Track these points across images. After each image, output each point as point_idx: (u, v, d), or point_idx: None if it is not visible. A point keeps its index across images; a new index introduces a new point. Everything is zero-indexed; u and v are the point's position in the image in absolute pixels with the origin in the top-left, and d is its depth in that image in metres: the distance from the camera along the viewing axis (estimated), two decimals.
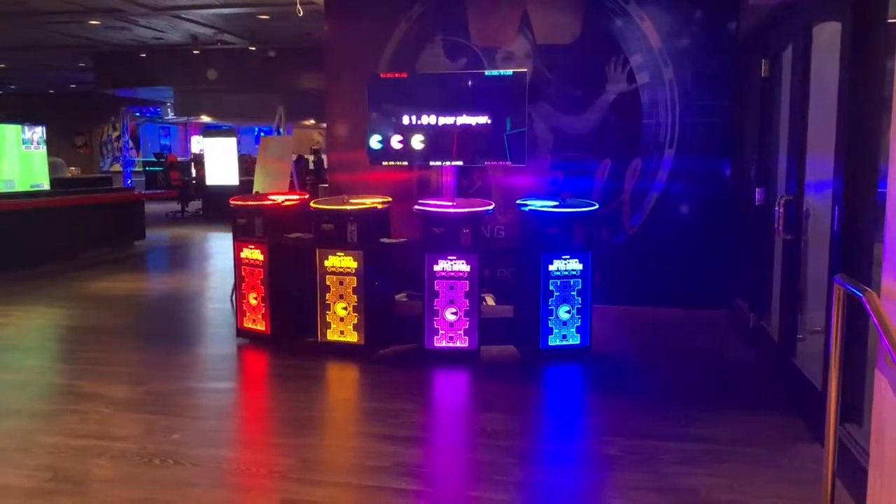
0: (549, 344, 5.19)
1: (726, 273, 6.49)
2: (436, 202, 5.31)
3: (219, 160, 16.40)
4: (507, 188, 6.62)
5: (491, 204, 5.21)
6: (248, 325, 5.73)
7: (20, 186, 9.24)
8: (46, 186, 9.64)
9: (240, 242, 5.70)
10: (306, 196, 5.82)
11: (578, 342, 5.23)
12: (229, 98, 16.66)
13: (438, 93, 6.05)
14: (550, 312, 5.17)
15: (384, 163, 6.14)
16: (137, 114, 25.78)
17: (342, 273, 5.25)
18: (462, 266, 5.09)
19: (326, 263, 5.28)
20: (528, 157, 5.95)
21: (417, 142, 6.00)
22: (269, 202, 5.59)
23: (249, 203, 5.61)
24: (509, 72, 5.92)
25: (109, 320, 6.56)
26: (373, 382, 4.83)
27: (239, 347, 5.62)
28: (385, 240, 5.41)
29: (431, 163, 6.06)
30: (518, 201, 5.46)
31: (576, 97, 6.66)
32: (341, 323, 5.30)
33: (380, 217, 5.44)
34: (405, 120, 6.02)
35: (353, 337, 5.28)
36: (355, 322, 5.26)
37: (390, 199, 5.57)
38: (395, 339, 5.53)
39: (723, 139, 6.48)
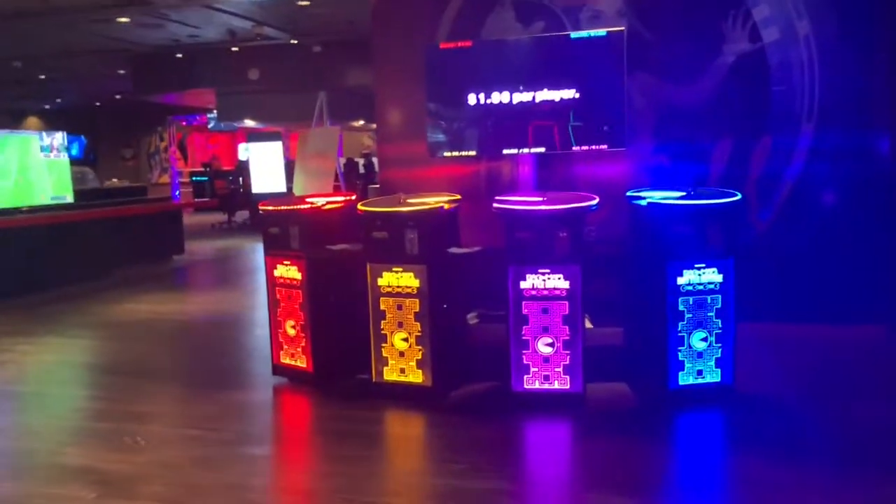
0: (680, 383, 3.87)
1: (886, 278, 5.06)
2: (520, 198, 4.05)
3: (265, 166, 15.45)
4: (598, 179, 5.30)
5: (595, 198, 3.93)
6: (285, 360, 4.56)
7: (38, 200, 8.31)
8: (70, 199, 8.70)
9: (272, 257, 4.54)
10: (353, 197, 4.64)
11: (719, 379, 3.90)
12: (273, 99, 15.71)
13: (512, 64, 4.84)
14: (680, 341, 3.86)
15: (446, 153, 4.95)
16: (184, 123, 25.23)
17: (401, 294, 4.04)
18: (559, 282, 3.82)
19: (380, 282, 4.08)
20: (628, 138, 4.67)
21: (487, 126, 4.79)
22: (306, 205, 4.42)
23: (282, 208, 4.45)
24: (602, 32, 4.65)
25: (125, 354, 5.49)
26: (447, 443, 3.58)
27: (275, 390, 4.46)
28: (455, 249, 4.17)
29: (505, 151, 4.83)
30: (629, 193, 4.16)
31: (684, 62, 5.32)
32: (401, 358, 4.09)
33: (447, 220, 4.20)
34: (471, 99, 4.83)
35: (416, 376, 4.06)
36: (419, 357, 4.04)
37: (459, 197, 4.33)
38: (469, 376, 4.31)
39: (880, 106, 5.06)
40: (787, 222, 5.24)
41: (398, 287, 4.04)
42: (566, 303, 3.83)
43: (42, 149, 8.35)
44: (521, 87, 4.77)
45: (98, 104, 23.71)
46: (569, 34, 4.81)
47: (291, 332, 4.48)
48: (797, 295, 5.15)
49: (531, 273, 3.84)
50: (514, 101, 4.76)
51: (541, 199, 3.98)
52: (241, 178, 16.66)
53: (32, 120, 26.30)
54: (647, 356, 3.98)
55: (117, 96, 21.26)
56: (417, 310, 4.01)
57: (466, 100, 4.84)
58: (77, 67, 15.96)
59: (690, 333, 3.86)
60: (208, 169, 19.65)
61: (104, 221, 8.95)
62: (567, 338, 3.85)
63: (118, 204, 9.69)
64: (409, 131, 5.79)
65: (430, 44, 5.18)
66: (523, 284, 3.86)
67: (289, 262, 4.43)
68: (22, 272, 7.79)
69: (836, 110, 5.13)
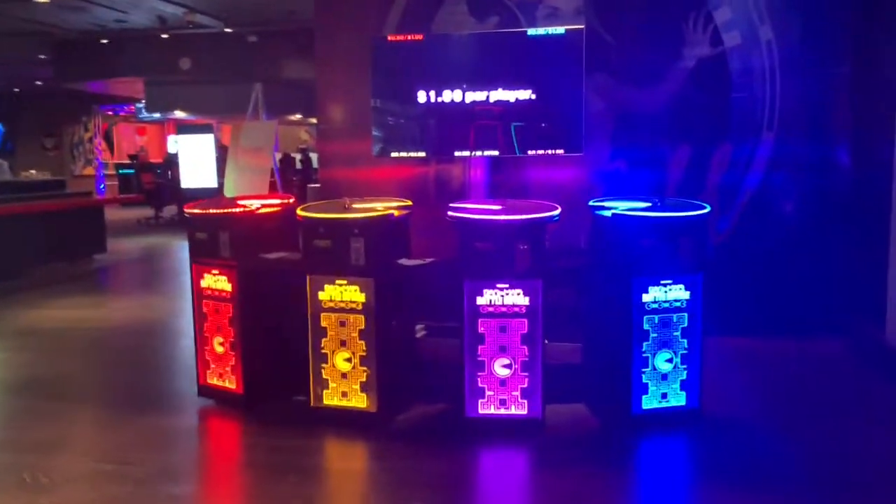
0: (644, 407, 3.61)
1: (846, 289, 4.95)
2: (477, 206, 3.72)
3: (195, 160, 14.71)
4: (553, 185, 5.02)
5: (556, 207, 3.63)
6: (212, 380, 4.12)
7: None
8: None
9: (199, 265, 4.09)
10: (292, 200, 4.22)
11: (684, 403, 3.66)
12: (205, 90, 15.00)
13: (464, 60, 4.53)
14: (644, 362, 3.60)
15: (393, 154, 4.59)
16: (110, 112, 24.05)
17: (344, 309, 3.66)
18: (518, 298, 3.51)
19: (322, 296, 3.69)
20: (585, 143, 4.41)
21: (437, 125, 4.46)
22: (238, 209, 3.98)
23: (211, 211, 4.00)
24: (560, 30, 4.35)
25: (31, 369, 4.94)
26: (394, 478, 3.22)
27: (201, 414, 4.02)
28: (405, 261, 3.81)
29: (457, 153, 4.50)
30: (592, 202, 3.89)
31: (643, 65, 5.10)
32: (343, 381, 3.71)
33: (396, 229, 3.84)
34: (421, 97, 4.47)
35: (360, 400, 3.69)
36: (363, 380, 3.67)
37: (410, 203, 3.97)
38: (418, 396, 3.97)
39: (842, 116, 4.93)
40: (745, 233, 5.08)
41: (341, 302, 3.66)
42: (525, 320, 3.52)
43: None
44: (474, 86, 4.44)
45: (17, 90, 22.33)
46: (525, 31, 4.51)
47: (220, 349, 4.05)
48: (756, 307, 4.99)
49: (489, 288, 3.52)
50: (467, 101, 4.43)
51: (498, 207, 3.66)
52: (169, 172, 15.85)
53: None
54: (609, 377, 3.71)
55: (38, 82, 20.04)
56: (363, 327, 3.64)
57: (416, 97, 4.49)
58: None
59: (655, 354, 3.61)
60: (135, 161, 18.71)
61: (16, 217, 8.22)
62: (526, 358, 3.54)
63: (32, 199, 8.94)
64: (353, 128, 5.41)
65: (378, 35, 4.81)
66: (480, 300, 3.53)
67: (218, 272, 3.99)
68: None
69: (796, 119, 4.98)
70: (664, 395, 3.64)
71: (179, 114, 17.60)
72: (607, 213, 3.66)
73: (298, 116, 18.28)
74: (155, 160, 20.80)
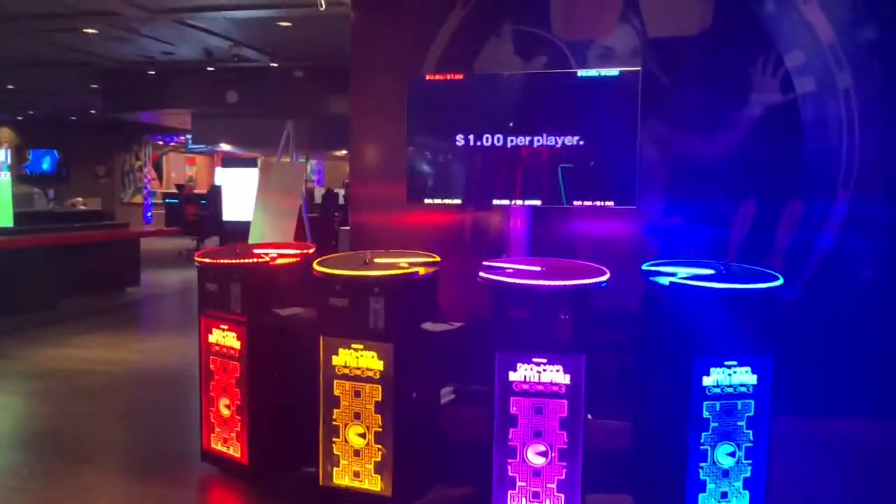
0: None
1: None
2: (513, 265, 3.30)
3: (238, 193, 14.61)
4: (600, 240, 4.57)
5: (604, 272, 3.19)
6: (216, 445, 3.74)
7: None
8: (6, 223, 7.83)
9: (208, 319, 3.75)
10: (311, 251, 3.86)
11: None
12: (251, 124, 14.95)
13: (508, 102, 4.18)
14: (703, 455, 3.10)
15: (427, 200, 4.22)
16: (161, 142, 24.42)
17: (360, 378, 3.25)
18: (557, 375, 3.06)
19: (336, 360, 3.29)
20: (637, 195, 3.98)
21: (476, 171, 4.10)
22: (250, 260, 3.63)
23: (221, 261, 3.66)
24: (614, 71, 3.99)
25: (33, 420, 4.66)
26: None
27: (201, 484, 3.64)
28: (430, 325, 3.39)
29: (495, 201, 4.11)
30: (646, 266, 3.43)
31: (704, 111, 4.64)
32: (356, 459, 3.29)
33: (422, 288, 3.43)
34: (459, 140, 4.12)
35: (374, 483, 3.25)
36: (378, 459, 3.24)
37: (438, 259, 3.57)
38: (441, 476, 3.52)
39: None
40: (817, 300, 4.53)
41: (357, 369, 3.26)
42: (565, 401, 3.06)
43: None
44: (518, 130, 4.09)
45: (73, 118, 22.82)
46: (575, 71, 4.15)
47: (225, 412, 3.67)
48: (832, 383, 4.42)
49: (523, 362, 3.08)
50: (508, 145, 4.07)
51: (538, 268, 3.24)
52: (213, 204, 15.80)
53: (4, 131, 25.36)
54: (661, 470, 3.22)
55: (92, 111, 20.43)
56: (380, 399, 3.23)
57: (454, 140, 4.14)
58: (45, 79, 15.15)
59: (715, 446, 3.10)
60: (180, 192, 18.78)
61: (48, 248, 8.10)
62: (564, 446, 3.07)
63: (66, 229, 8.83)
64: (387, 171, 5.05)
65: (415, 74, 4.47)
66: (513, 376, 3.09)
67: (227, 328, 3.64)
68: None
69: (876, 176, 4.45)
70: (724, 495, 3.13)
71: (225, 146, 17.65)
72: (664, 281, 3.19)
73: (344, 152, 18.17)
74: (202, 191, 20.93)
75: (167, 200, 20.31)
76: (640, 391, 3.48)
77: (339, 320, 3.27)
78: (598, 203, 3.95)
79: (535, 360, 3.07)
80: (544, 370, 3.06)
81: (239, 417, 3.61)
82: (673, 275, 3.23)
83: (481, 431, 3.19)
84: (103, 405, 5.01)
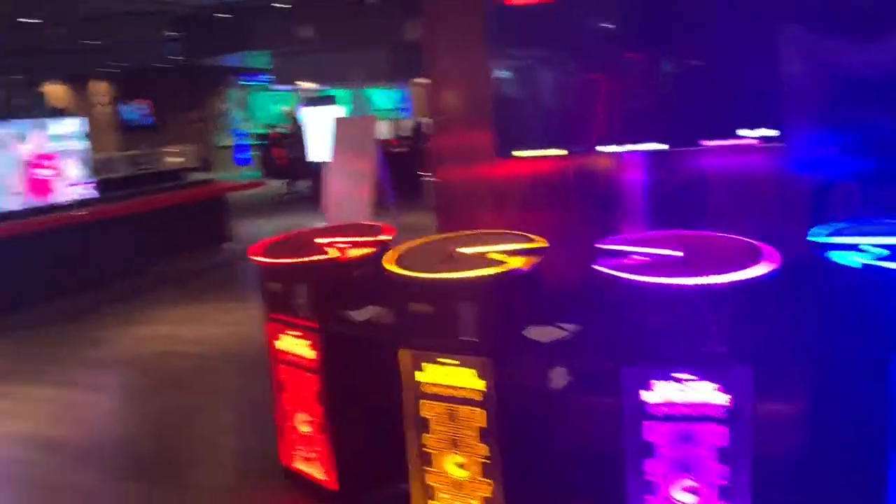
0: None
1: None
2: (639, 247, 2.55)
3: (321, 133, 14.13)
4: (743, 195, 3.68)
5: (771, 255, 2.39)
6: (298, 465, 3.26)
7: (50, 198, 7.24)
8: (88, 194, 7.61)
9: (274, 323, 3.20)
10: (391, 237, 3.21)
11: None
12: (329, 58, 14.31)
13: (615, 21, 3.34)
14: None
15: (517, 153, 3.50)
16: (248, 83, 24.23)
17: (455, 398, 2.63)
18: (712, 394, 2.33)
19: (421, 377, 2.68)
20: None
21: (576, 112, 3.33)
22: (318, 257, 3.02)
23: (284, 261, 3.07)
24: None
25: (108, 425, 4.37)
26: None
27: None
28: (535, 332, 2.70)
29: (606, 147, 3.33)
30: (815, 237, 2.58)
31: (875, 9, 3.61)
32: (458, 492, 2.70)
33: (523, 285, 2.72)
34: (550, 76, 3.36)
35: None
36: (488, 495, 2.64)
37: (544, 245, 2.84)
38: (562, 497, 2.90)
39: None
40: None
41: (450, 388, 2.64)
42: (724, 428, 2.34)
43: (53, 137, 7.24)
44: (628, 54, 3.28)
45: (161, 67, 22.86)
46: None
47: (305, 428, 3.16)
48: None
49: (662, 379, 2.37)
50: (619, 77, 3.27)
51: (675, 252, 2.47)
52: (298, 145, 15.43)
53: (102, 85, 25.84)
54: (849, 497, 2.48)
55: (177, 59, 20.33)
56: (482, 425, 2.60)
57: (546, 76, 3.37)
58: (128, 31, 14.94)
59: None
60: (268, 134, 18.51)
61: (133, 215, 7.88)
62: (725, 482, 2.37)
63: (147, 193, 8.60)
64: (472, 118, 4.31)
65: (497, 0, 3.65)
66: (647, 396, 2.39)
67: (298, 334, 3.08)
68: (37, 278, 6.79)
69: None
70: None
71: (306, 84, 17.14)
72: (852, 261, 2.36)
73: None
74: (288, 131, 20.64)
75: (255, 143, 20.19)
76: (816, 400, 2.70)
77: (422, 328, 2.64)
78: (736, 141, 3.11)
79: (678, 375, 2.35)
80: (693, 388, 2.34)
81: (322, 436, 3.10)
82: (858, 249, 2.39)
83: (609, 438, 2.52)
84: (185, 399, 4.65)
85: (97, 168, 7.90)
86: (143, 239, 8.00)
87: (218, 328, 6.11)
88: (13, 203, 6.92)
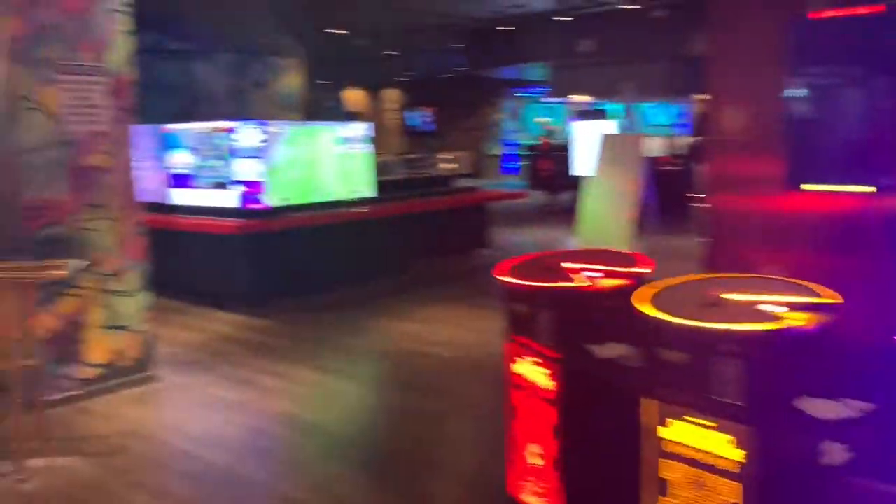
0: None
1: None
2: None
3: (589, 147, 13.95)
4: None
5: None
6: (526, 498, 3.11)
7: (337, 195, 7.89)
8: (368, 193, 8.18)
9: (514, 345, 3.09)
10: (647, 270, 2.93)
11: None
12: (606, 71, 14.05)
13: None
14: None
15: (808, 186, 3.02)
16: (522, 95, 24.81)
17: (703, 465, 2.30)
18: None
19: (665, 433, 2.38)
20: None
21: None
22: (566, 284, 2.85)
23: (530, 284, 2.93)
24: None
25: (354, 415, 4.59)
26: None
27: None
28: (813, 405, 2.27)
29: None
30: None
31: None
32: None
33: (804, 352, 2.29)
34: (862, 99, 2.82)
35: None
36: None
37: (835, 301, 2.38)
38: None
39: None
40: None
41: (699, 451, 2.31)
42: None
43: (342, 140, 7.88)
44: None
45: (444, 76, 24.29)
46: None
47: (536, 461, 3.01)
48: None
49: None
50: None
51: None
52: (565, 157, 15.39)
53: (393, 92, 28.13)
54: None
55: (458, 69, 21.43)
56: (737, 501, 2.24)
57: (862, 100, 2.85)
58: (418, 43, 16.05)
59: None
60: (536, 146, 18.74)
61: (402, 216, 8.35)
62: None
63: (417, 196, 9.06)
64: (758, 141, 3.85)
65: (796, 13, 3.20)
66: None
67: (537, 361, 2.94)
68: (309, 271, 7.45)
69: None
70: None
71: (581, 97, 17.03)
72: None
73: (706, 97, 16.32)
74: (559, 143, 20.74)
75: (523, 153, 20.54)
76: None
77: (673, 381, 2.34)
78: None
79: None
80: None
81: (553, 472, 2.92)
82: None
83: None
84: (426, 401, 4.75)
85: (378, 169, 8.46)
86: (409, 239, 8.44)
87: (466, 333, 6.21)
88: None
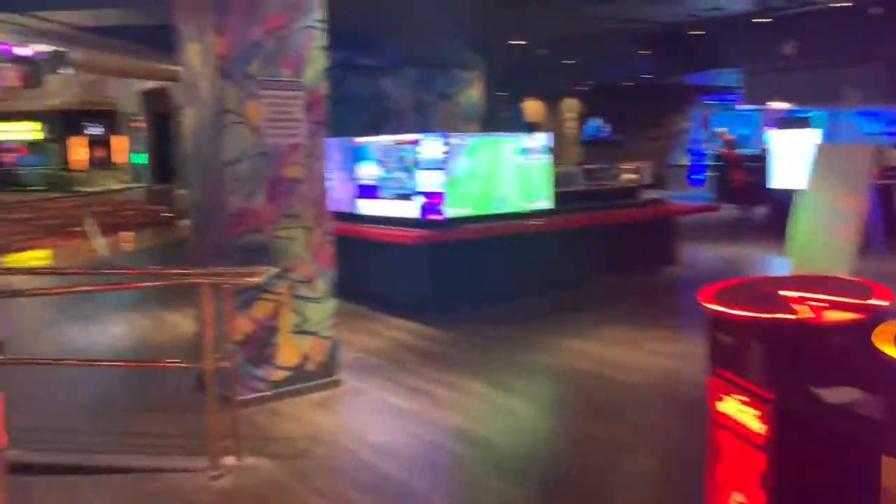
0: None
1: None
2: None
3: (790, 158, 12.81)
4: None
5: None
6: None
7: (510, 206, 7.78)
8: (545, 204, 7.99)
9: (718, 380, 2.77)
10: (887, 303, 2.51)
11: None
12: (810, 76, 12.90)
13: None
14: None
15: None
16: (710, 103, 23.52)
17: None
18: None
19: None
20: None
21: None
22: (787, 315, 2.49)
23: (743, 314, 2.60)
24: None
25: (523, 437, 4.40)
26: None
27: None
28: None
29: None
30: None
31: None
32: None
33: None
34: None
35: None
36: None
37: None
38: None
39: None
40: None
41: None
42: None
43: (521, 151, 7.77)
44: None
45: (627, 84, 23.59)
46: None
47: None
48: None
49: None
50: None
51: None
52: (761, 168, 14.29)
53: (571, 101, 27.78)
54: None
55: (642, 76, 20.70)
56: None
57: None
58: (599, 50, 15.66)
59: None
60: (722, 155, 17.63)
61: (580, 229, 8.09)
62: None
63: (597, 209, 8.73)
64: None
65: None
66: None
67: (745, 400, 2.60)
68: (486, 282, 7.39)
69: None
70: None
71: (779, 104, 15.78)
72: None
73: None
74: (752, 153, 19.36)
75: (713, 164, 19.38)
76: None
77: None
78: None
79: None
80: None
81: None
82: None
83: None
84: (604, 429, 4.45)
85: (557, 180, 8.25)
86: (590, 253, 8.15)
87: (650, 358, 5.83)
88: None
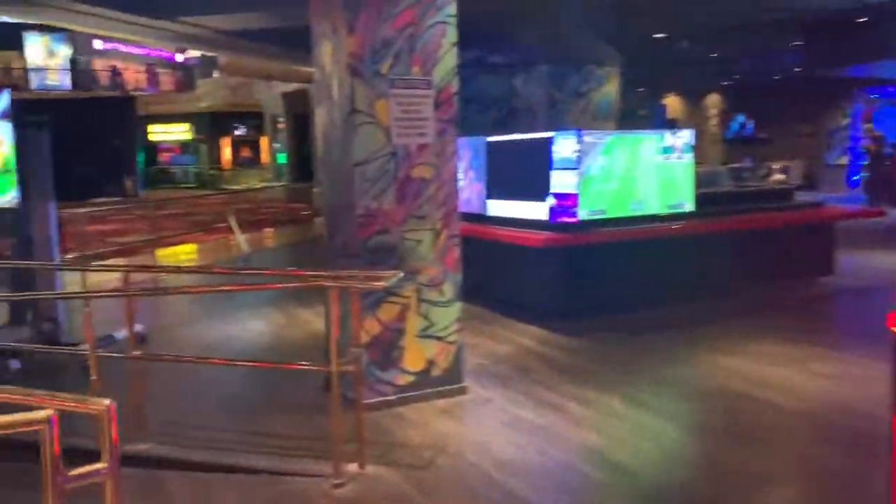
0: None
1: None
2: None
3: None
4: None
5: None
6: None
7: (654, 208, 7.32)
8: (689, 206, 7.47)
9: None
10: None
11: None
12: None
13: None
14: None
15: None
16: (874, 96, 21.54)
17: None
18: None
19: None
20: None
21: None
22: None
23: None
24: None
25: (659, 465, 4.00)
26: None
27: None
28: None
29: None
30: None
31: None
32: None
33: None
34: None
35: None
36: None
37: None
38: None
39: None
40: None
41: None
42: None
43: (662, 149, 7.29)
44: None
45: (775, 78, 22.06)
46: None
47: None
48: None
49: None
50: None
51: None
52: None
53: (713, 97, 26.38)
54: None
55: (795, 69, 19.26)
56: None
57: None
58: (746, 42, 14.68)
59: None
60: (871, 153, 16.08)
61: (721, 233, 7.52)
62: None
63: (745, 211, 8.08)
64: None
65: None
66: None
67: None
68: (621, 288, 7.00)
69: None
70: None
71: None
72: None
73: None
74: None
75: (869, 163, 17.72)
76: None
77: None
78: None
79: None
80: None
81: None
82: None
83: None
84: (746, 455, 4.01)
85: (699, 181, 7.70)
86: (737, 260, 7.57)
87: (808, 379, 5.23)
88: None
